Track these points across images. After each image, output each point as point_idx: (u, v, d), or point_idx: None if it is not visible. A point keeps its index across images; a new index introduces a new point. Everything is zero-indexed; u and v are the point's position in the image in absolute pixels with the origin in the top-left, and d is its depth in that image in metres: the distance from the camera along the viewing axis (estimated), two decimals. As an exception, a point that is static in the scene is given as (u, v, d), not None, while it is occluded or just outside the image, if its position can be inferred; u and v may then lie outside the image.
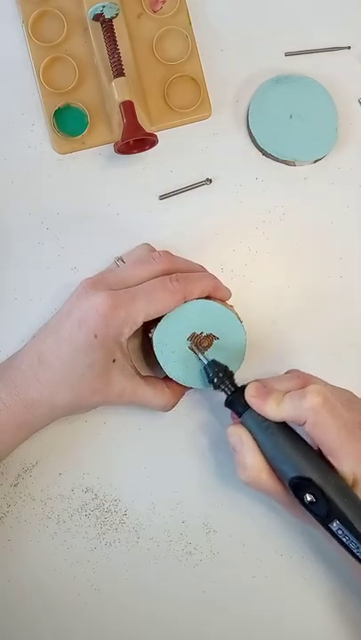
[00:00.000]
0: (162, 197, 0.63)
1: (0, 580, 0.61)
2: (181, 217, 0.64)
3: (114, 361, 0.54)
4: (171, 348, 0.56)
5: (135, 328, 0.54)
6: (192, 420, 0.62)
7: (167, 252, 0.58)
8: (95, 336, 0.52)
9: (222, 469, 0.62)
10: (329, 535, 0.50)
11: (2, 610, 0.61)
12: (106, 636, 0.61)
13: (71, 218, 0.63)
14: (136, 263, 0.57)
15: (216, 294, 0.57)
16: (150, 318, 0.54)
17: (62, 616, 0.61)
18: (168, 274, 0.55)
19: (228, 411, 0.55)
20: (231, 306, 0.59)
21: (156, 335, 0.55)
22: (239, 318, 0.57)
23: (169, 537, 0.62)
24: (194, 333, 0.56)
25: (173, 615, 0.61)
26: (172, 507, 0.62)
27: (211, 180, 0.64)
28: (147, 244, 0.61)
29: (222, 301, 0.58)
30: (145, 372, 0.60)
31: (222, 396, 0.55)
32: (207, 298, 0.56)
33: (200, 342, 0.56)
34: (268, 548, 0.62)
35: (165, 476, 0.62)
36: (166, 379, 0.57)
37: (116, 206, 0.63)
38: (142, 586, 0.61)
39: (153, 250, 0.60)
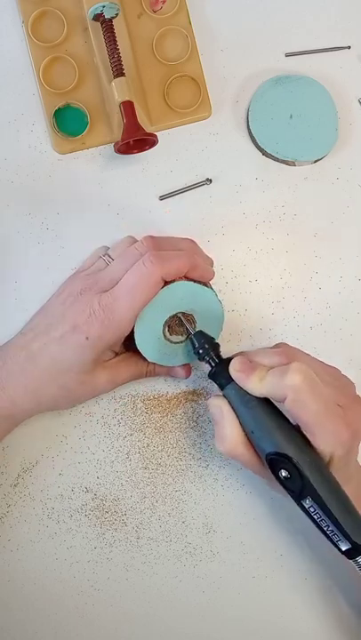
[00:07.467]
0: (162, 197, 0.63)
1: (0, 580, 0.61)
2: (181, 217, 0.64)
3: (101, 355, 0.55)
4: (150, 333, 0.55)
5: (130, 327, 0.54)
6: (193, 421, 0.62)
7: (150, 236, 0.57)
8: (87, 338, 0.53)
9: (223, 470, 0.62)
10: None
11: (2, 610, 0.61)
12: (106, 635, 0.61)
13: (71, 218, 0.63)
14: (121, 257, 0.57)
15: (194, 273, 0.56)
16: (139, 311, 0.54)
17: (62, 616, 0.61)
18: None
19: None
20: (206, 284, 0.58)
21: (136, 323, 0.55)
22: (215, 292, 0.57)
23: (169, 537, 0.62)
24: (174, 315, 0.55)
25: (173, 615, 0.61)
26: (172, 507, 0.62)
27: (211, 180, 0.64)
28: (130, 236, 0.61)
29: (198, 281, 0.57)
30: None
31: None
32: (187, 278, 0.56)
33: (181, 323, 0.56)
34: (268, 548, 0.62)
35: (165, 475, 0.62)
36: None
37: (116, 206, 0.63)
38: (142, 586, 0.61)
39: (135, 241, 0.60)
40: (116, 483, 0.62)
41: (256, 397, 0.51)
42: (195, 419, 0.62)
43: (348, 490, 0.51)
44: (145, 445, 0.62)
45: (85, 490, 0.61)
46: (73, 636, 0.61)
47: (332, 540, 0.49)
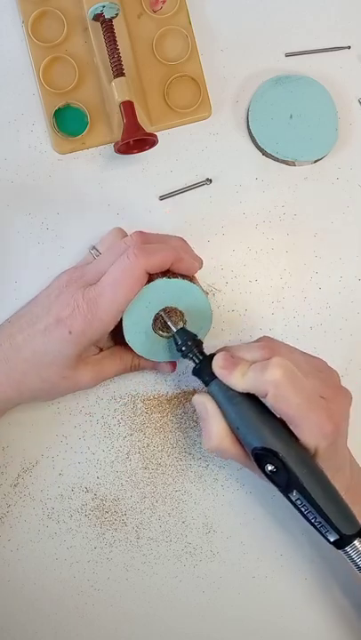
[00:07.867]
0: (162, 197, 0.63)
1: (0, 580, 0.61)
2: (181, 217, 0.64)
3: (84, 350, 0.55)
4: (139, 328, 0.55)
5: (115, 323, 0.54)
6: (193, 421, 0.62)
7: (139, 232, 0.56)
8: (70, 332, 0.53)
9: (223, 470, 0.62)
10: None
11: (2, 610, 0.61)
12: (106, 635, 0.61)
13: (71, 218, 0.63)
14: (109, 250, 0.57)
15: (180, 266, 0.55)
16: (123, 306, 0.54)
17: (62, 616, 0.61)
18: None
19: None
20: (194, 277, 0.58)
21: (125, 317, 0.55)
22: (203, 290, 0.57)
23: (169, 537, 0.62)
24: (165, 308, 0.55)
25: (173, 615, 0.61)
26: (172, 507, 0.62)
27: (211, 180, 0.64)
28: (118, 228, 0.61)
29: (186, 276, 0.57)
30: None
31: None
32: (172, 272, 0.56)
33: (169, 317, 0.56)
34: (268, 548, 0.62)
35: (165, 475, 0.62)
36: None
37: (116, 206, 0.63)
38: (142, 586, 0.61)
39: (125, 234, 0.60)
40: (116, 483, 0.62)
41: (240, 393, 0.51)
42: (195, 419, 0.62)
43: (340, 479, 0.51)
44: (145, 445, 0.62)
45: (85, 490, 0.61)
46: (73, 636, 0.61)
47: (320, 532, 0.49)
